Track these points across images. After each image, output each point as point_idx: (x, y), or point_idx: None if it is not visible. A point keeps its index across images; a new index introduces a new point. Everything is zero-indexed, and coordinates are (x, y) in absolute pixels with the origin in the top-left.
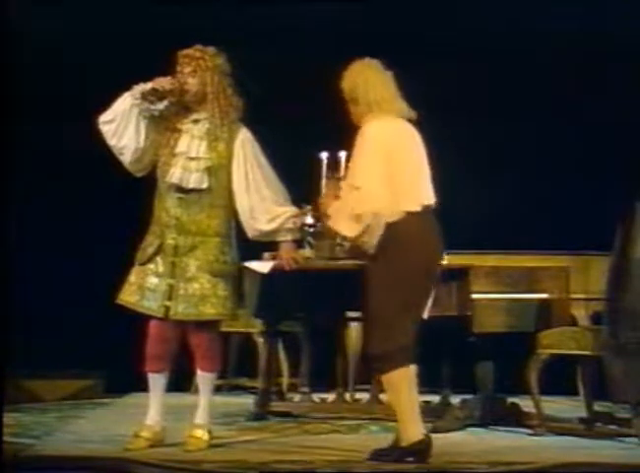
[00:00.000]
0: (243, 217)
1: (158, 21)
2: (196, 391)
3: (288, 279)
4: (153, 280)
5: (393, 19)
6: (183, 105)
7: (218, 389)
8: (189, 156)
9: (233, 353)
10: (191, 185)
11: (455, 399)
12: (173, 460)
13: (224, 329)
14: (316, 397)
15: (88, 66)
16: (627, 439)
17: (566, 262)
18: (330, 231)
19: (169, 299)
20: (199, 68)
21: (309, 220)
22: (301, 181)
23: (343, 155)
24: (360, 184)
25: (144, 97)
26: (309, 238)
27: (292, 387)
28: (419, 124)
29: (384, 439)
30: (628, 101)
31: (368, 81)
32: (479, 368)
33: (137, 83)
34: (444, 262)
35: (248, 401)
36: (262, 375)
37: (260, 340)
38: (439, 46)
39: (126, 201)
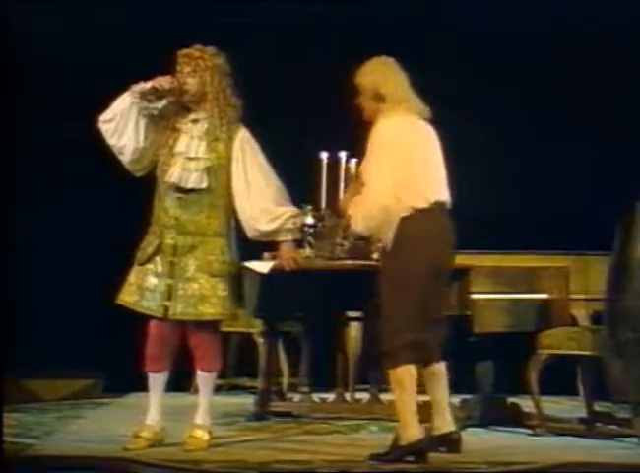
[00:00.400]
0: (243, 217)
1: (157, 21)
2: (196, 391)
3: (288, 279)
4: (152, 280)
5: (393, 19)
6: (182, 105)
7: (218, 389)
8: (188, 156)
9: (233, 353)
10: (190, 185)
11: (455, 399)
12: (173, 460)
13: (224, 329)
14: (316, 397)
15: (87, 66)
16: (627, 439)
17: (566, 262)
18: (351, 230)
19: (169, 299)
20: (198, 68)
21: (309, 220)
22: (301, 181)
23: (343, 155)
24: (372, 181)
25: (143, 95)
26: (309, 238)
27: (292, 387)
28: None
29: (384, 439)
30: (628, 101)
31: (394, 78)
32: (478, 368)
33: (136, 82)
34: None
35: (248, 401)
36: (262, 375)
37: (260, 340)
38: (439, 46)
39: (126, 201)
